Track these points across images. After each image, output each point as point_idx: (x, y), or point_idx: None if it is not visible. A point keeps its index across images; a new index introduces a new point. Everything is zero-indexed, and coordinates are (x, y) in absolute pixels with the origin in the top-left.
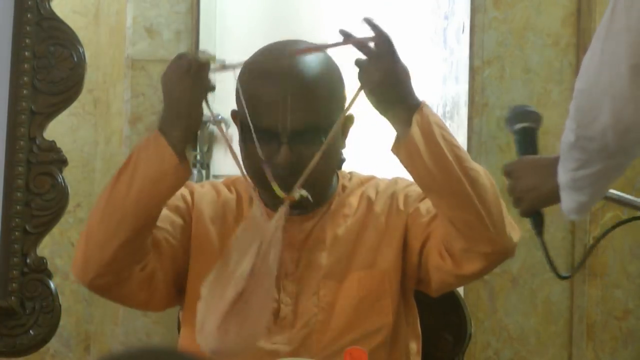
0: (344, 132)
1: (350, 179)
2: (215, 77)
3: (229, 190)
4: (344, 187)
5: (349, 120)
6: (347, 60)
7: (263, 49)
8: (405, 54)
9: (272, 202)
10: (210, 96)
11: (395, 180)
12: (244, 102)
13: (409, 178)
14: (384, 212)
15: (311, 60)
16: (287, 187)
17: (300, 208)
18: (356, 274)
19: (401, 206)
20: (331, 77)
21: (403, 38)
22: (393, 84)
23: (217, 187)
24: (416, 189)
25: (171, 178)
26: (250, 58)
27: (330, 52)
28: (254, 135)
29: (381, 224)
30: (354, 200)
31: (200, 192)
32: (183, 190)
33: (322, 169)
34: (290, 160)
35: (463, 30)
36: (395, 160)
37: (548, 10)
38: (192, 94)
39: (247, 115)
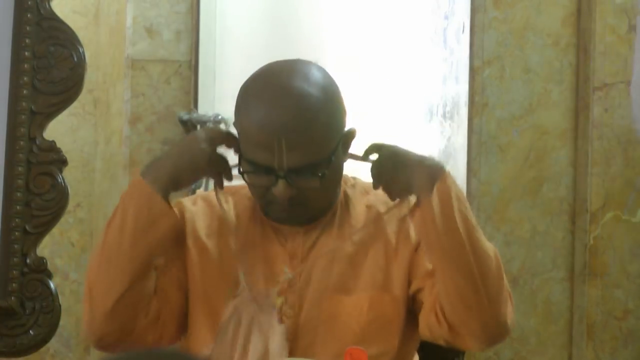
0: (346, 148)
1: (353, 186)
2: (219, 77)
3: (225, 200)
4: (346, 195)
5: (351, 136)
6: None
7: (262, 72)
8: (406, 54)
9: (276, 217)
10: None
11: (407, 200)
12: (240, 132)
13: None
14: (394, 232)
15: (310, 93)
16: (287, 218)
17: (300, 221)
18: (366, 293)
19: (412, 233)
20: (330, 105)
21: (403, 38)
22: (406, 170)
23: (210, 200)
24: None
25: (161, 224)
26: (249, 82)
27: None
28: (247, 157)
29: (391, 245)
30: (359, 210)
31: (192, 210)
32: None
33: (324, 196)
34: (290, 194)
35: (463, 30)
36: None
37: (548, 10)
38: (205, 151)
39: (243, 149)
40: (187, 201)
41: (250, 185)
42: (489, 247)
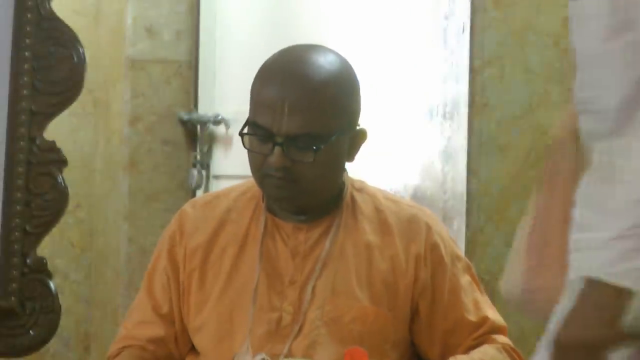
0: (353, 147)
1: (361, 189)
2: (219, 77)
3: (234, 200)
4: (353, 198)
5: (361, 135)
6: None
7: (284, 49)
8: (406, 54)
9: (271, 194)
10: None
11: (419, 222)
12: (250, 95)
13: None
14: (403, 249)
15: (322, 67)
16: (280, 196)
17: (304, 216)
18: (372, 305)
19: (421, 254)
20: (340, 86)
21: (403, 38)
22: None
23: (212, 204)
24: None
25: None
26: (271, 56)
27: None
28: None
29: (400, 262)
30: (367, 214)
31: (190, 227)
32: (169, 243)
33: (316, 180)
34: (283, 163)
35: (463, 30)
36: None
37: (548, 10)
38: None
39: (250, 110)
40: (188, 212)
41: (249, 154)
42: None
